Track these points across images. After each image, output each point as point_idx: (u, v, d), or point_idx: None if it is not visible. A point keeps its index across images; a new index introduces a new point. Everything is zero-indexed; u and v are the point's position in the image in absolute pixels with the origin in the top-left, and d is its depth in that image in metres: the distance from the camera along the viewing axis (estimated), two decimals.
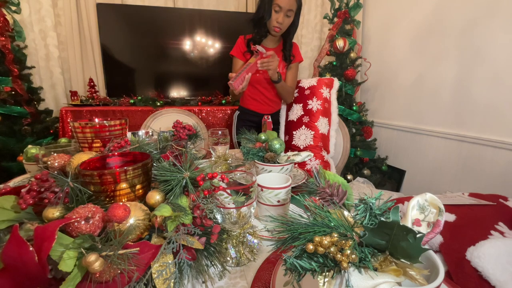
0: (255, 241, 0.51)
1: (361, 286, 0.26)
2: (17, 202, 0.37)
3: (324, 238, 0.27)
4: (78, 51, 2.30)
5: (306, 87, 1.44)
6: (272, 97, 1.55)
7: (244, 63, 1.42)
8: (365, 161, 2.15)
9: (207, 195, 0.41)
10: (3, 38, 1.76)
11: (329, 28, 2.15)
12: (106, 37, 2.20)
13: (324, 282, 0.26)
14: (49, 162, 0.51)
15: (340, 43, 2.00)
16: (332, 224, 0.30)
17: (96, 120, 0.68)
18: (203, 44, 2.41)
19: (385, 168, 2.13)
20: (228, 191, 0.45)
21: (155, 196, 0.42)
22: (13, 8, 1.83)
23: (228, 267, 0.46)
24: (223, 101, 2.36)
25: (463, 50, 1.56)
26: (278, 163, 0.77)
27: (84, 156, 0.49)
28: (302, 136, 1.39)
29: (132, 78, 2.35)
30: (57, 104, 2.26)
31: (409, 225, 0.33)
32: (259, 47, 1.25)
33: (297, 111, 1.44)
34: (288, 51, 1.47)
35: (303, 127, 1.40)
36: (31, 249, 0.28)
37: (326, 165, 1.39)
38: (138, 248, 0.32)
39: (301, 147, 1.39)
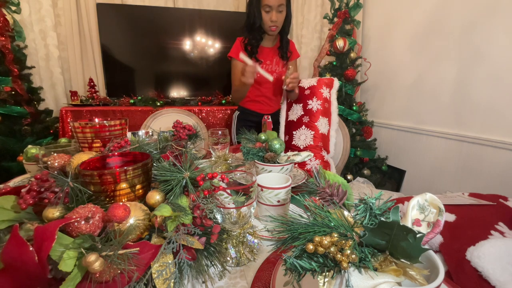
0: (255, 241, 0.51)
1: (361, 286, 0.26)
2: (17, 202, 0.37)
3: (324, 238, 0.27)
4: (78, 51, 2.30)
5: (306, 87, 1.44)
6: (272, 97, 1.55)
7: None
8: (365, 161, 2.15)
9: (207, 195, 0.41)
10: (3, 38, 1.76)
11: (329, 28, 2.15)
12: (106, 37, 2.20)
13: (324, 282, 0.26)
14: (49, 162, 0.51)
15: (340, 43, 2.00)
16: (332, 224, 0.30)
17: (96, 120, 0.68)
18: (203, 44, 2.41)
19: (385, 168, 2.13)
20: (228, 191, 0.45)
21: (155, 196, 0.42)
22: (13, 8, 1.83)
23: (228, 267, 0.46)
24: (223, 101, 2.36)
25: (463, 50, 1.56)
26: (278, 163, 0.77)
27: (84, 156, 0.49)
28: (302, 136, 1.39)
29: (132, 78, 2.35)
30: (57, 104, 2.26)
31: (409, 225, 0.33)
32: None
33: (297, 111, 1.44)
34: (284, 48, 1.47)
35: (303, 127, 1.40)
36: (31, 249, 0.28)
37: (326, 165, 1.39)
38: (138, 248, 0.32)
39: (301, 147, 1.39)
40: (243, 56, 1.27)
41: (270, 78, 1.28)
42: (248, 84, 1.29)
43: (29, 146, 0.75)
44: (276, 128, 1.51)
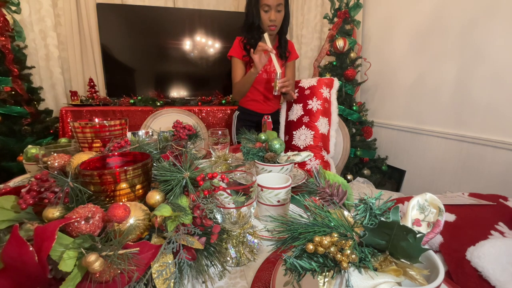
0: (255, 241, 0.51)
1: (361, 286, 0.26)
2: (17, 202, 0.37)
3: (324, 238, 0.27)
4: (78, 51, 2.30)
5: (306, 87, 1.44)
6: (272, 97, 1.55)
7: (246, 67, 1.44)
8: (365, 161, 2.15)
9: (207, 195, 0.41)
10: (3, 38, 1.76)
11: (329, 28, 2.16)
12: (106, 37, 2.21)
13: (324, 282, 0.26)
14: (49, 162, 0.51)
15: (340, 43, 2.00)
16: (332, 224, 0.30)
17: (96, 120, 0.68)
18: (203, 44, 2.41)
19: (385, 168, 2.13)
20: (228, 191, 0.45)
21: (155, 196, 0.42)
22: (13, 8, 1.83)
23: (228, 267, 0.46)
24: (223, 101, 2.36)
25: (463, 50, 1.56)
26: (278, 163, 0.77)
27: (84, 156, 0.49)
28: (302, 136, 1.39)
29: (132, 78, 2.35)
30: (57, 104, 2.26)
31: (409, 225, 0.33)
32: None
33: (297, 111, 1.44)
34: (283, 48, 1.47)
35: (303, 127, 1.40)
36: (31, 249, 0.28)
37: (326, 165, 1.39)
38: (138, 248, 0.32)
39: (301, 147, 1.39)
40: (266, 36, 1.28)
41: (279, 70, 1.27)
42: (254, 71, 1.29)
43: (29, 146, 0.75)
44: (276, 128, 1.52)
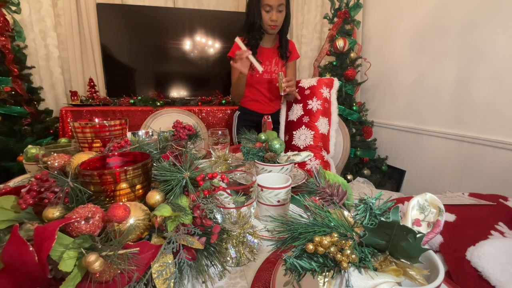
0: (255, 241, 0.51)
1: (361, 286, 0.26)
2: (17, 202, 0.37)
3: (324, 238, 0.27)
4: (78, 51, 2.30)
5: (306, 87, 1.44)
6: (273, 97, 1.55)
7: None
8: (365, 161, 2.15)
9: (207, 195, 0.41)
10: (3, 38, 1.76)
11: (329, 28, 2.16)
12: (106, 37, 2.21)
13: (324, 282, 0.26)
14: (49, 162, 0.51)
15: (340, 43, 2.00)
16: (332, 224, 0.30)
17: (96, 120, 0.68)
18: (203, 44, 2.41)
19: (385, 168, 2.13)
20: (228, 191, 0.45)
21: (155, 196, 0.42)
22: (13, 8, 1.83)
23: (228, 267, 0.46)
24: (223, 101, 2.36)
25: (463, 50, 1.56)
26: (278, 163, 0.77)
27: (84, 156, 0.49)
28: (302, 136, 1.39)
29: (132, 78, 2.35)
30: (57, 104, 2.26)
31: (409, 225, 0.33)
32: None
33: (297, 111, 1.44)
34: (284, 48, 1.47)
35: (303, 127, 1.39)
36: (31, 249, 0.28)
37: (326, 165, 1.39)
38: (138, 248, 0.32)
39: (301, 147, 1.39)
40: (238, 40, 1.25)
41: (260, 68, 1.26)
42: (242, 75, 1.28)
43: (29, 146, 0.75)
44: (276, 128, 1.51)
